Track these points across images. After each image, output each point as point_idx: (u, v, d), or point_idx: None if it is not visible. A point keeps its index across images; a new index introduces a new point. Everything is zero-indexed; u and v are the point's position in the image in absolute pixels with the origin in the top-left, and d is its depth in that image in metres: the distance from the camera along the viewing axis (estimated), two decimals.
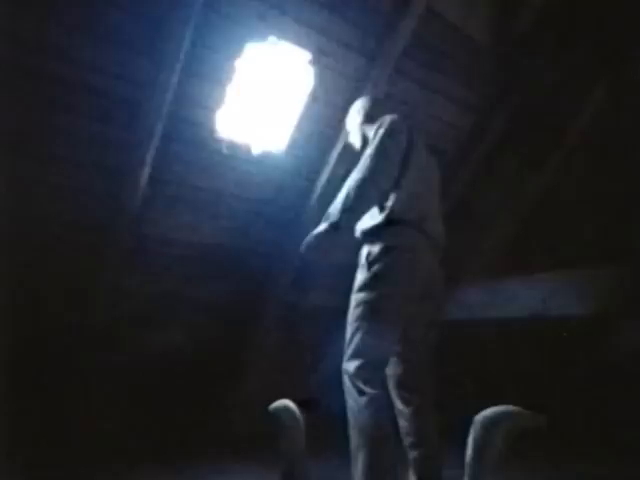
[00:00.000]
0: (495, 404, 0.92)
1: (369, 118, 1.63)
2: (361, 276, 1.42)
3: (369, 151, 1.40)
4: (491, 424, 0.89)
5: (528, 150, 2.81)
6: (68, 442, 2.06)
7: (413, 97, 2.35)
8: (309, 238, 1.38)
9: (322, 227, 1.36)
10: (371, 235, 1.44)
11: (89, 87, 1.66)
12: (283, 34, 1.91)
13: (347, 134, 1.79)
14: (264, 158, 2.14)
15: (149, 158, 1.83)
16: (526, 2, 2.27)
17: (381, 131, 1.42)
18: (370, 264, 1.39)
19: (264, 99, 2.07)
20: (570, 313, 2.03)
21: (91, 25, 1.57)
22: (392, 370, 1.42)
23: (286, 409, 1.02)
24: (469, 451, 0.92)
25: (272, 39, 1.91)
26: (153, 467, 2.05)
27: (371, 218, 1.45)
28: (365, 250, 1.45)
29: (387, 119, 1.47)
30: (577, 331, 2.63)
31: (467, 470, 0.93)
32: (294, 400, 1.05)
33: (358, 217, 1.38)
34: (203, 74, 1.82)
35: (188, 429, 2.43)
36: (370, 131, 1.54)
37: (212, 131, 1.97)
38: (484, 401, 0.99)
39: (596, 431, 2.46)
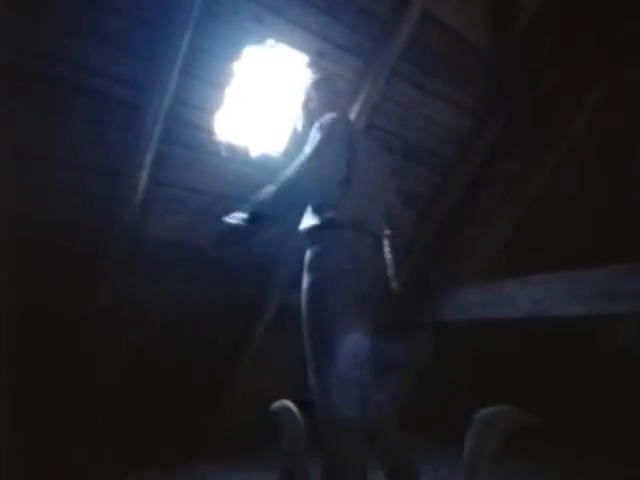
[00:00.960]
0: (493, 403, 0.93)
1: (311, 104, 1.66)
2: (304, 282, 1.38)
3: (303, 155, 1.35)
4: (488, 423, 0.90)
5: (526, 152, 2.83)
6: (65, 446, 2.06)
7: (410, 99, 2.36)
8: (219, 223, 1.31)
9: (235, 217, 1.29)
10: (310, 237, 1.43)
11: (89, 90, 1.67)
12: (281, 37, 1.93)
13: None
14: (262, 160, 2.15)
15: (148, 160, 1.84)
16: (522, 4, 2.29)
17: (318, 136, 1.37)
18: (310, 269, 1.37)
19: (262, 102, 2.08)
20: (565, 313, 2.04)
21: (90, 29, 1.58)
22: None
23: (286, 409, 1.03)
24: (467, 449, 0.93)
25: (270, 42, 1.93)
26: (149, 469, 2.06)
27: (310, 219, 1.42)
28: (307, 253, 1.43)
29: (326, 122, 1.41)
30: (572, 331, 2.64)
31: (466, 467, 0.94)
32: (294, 401, 1.06)
33: (274, 214, 1.30)
34: (202, 77, 1.84)
35: (183, 430, 2.44)
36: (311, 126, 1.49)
37: (211, 134, 1.98)
38: (483, 400, 1.00)
39: (590, 429, 2.47)
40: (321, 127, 1.41)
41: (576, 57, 2.47)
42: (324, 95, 1.68)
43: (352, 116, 2.16)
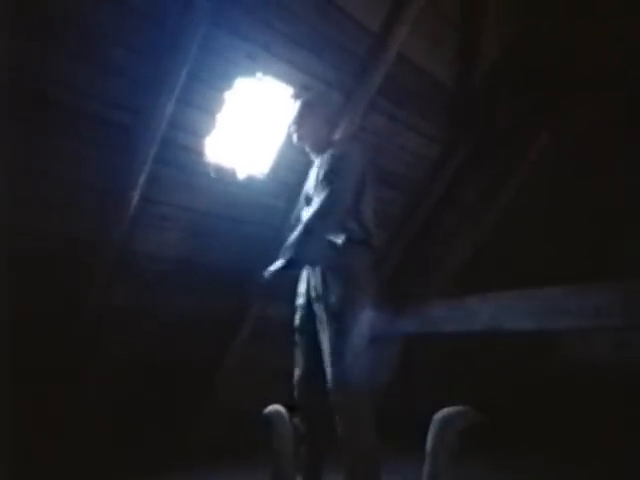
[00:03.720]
0: (452, 405, 1.11)
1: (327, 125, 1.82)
2: (334, 287, 1.58)
3: (331, 186, 1.52)
4: (446, 422, 1.08)
5: (486, 179, 3.11)
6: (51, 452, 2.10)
7: (385, 130, 2.59)
8: (267, 274, 1.54)
9: (279, 263, 1.52)
10: (335, 253, 1.61)
11: (89, 113, 1.78)
12: (269, 71, 2.10)
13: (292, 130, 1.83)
14: (248, 182, 2.30)
15: (142, 179, 1.96)
16: (483, 51, 2.57)
17: (342, 165, 1.56)
18: (339, 278, 1.58)
19: (250, 128, 2.24)
20: (519, 327, 2.28)
21: (95, 58, 1.70)
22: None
23: (277, 413, 1.17)
24: (428, 445, 1.11)
25: (259, 75, 2.10)
26: (132, 473, 2.13)
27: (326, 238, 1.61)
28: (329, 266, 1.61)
29: (349, 153, 1.63)
30: (525, 343, 2.91)
31: (427, 462, 1.11)
32: (283, 405, 1.20)
33: (314, 250, 1.52)
34: (196, 104, 1.98)
35: (166, 436, 2.51)
36: (325, 151, 1.69)
37: (201, 156, 2.11)
38: (444, 402, 1.18)
39: (540, 432, 2.72)
40: (344, 159, 1.59)
41: (528, 98, 2.77)
42: (318, 115, 1.82)
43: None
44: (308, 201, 1.76)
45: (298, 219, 1.80)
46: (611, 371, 3.02)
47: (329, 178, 1.54)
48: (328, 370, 1.51)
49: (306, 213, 1.67)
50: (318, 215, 1.49)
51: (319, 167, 1.70)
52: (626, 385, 2.85)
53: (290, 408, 1.22)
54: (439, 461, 1.11)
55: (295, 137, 1.83)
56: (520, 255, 3.13)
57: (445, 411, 1.09)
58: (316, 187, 1.63)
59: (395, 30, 2.24)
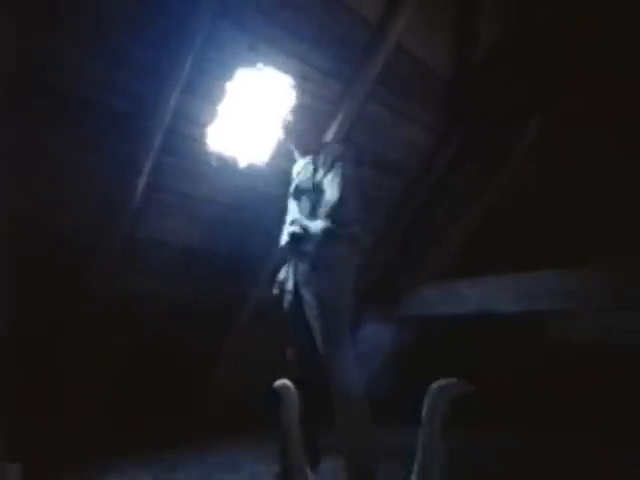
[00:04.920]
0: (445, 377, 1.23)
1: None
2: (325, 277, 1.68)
3: (337, 179, 1.70)
4: (439, 391, 1.19)
5: (479, 166, 3.20)
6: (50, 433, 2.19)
7: (382, 118, 2.66)
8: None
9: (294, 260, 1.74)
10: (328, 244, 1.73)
11: (96, 102, 1.83)
12: (270, 61, 2.15)
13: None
14: (248, 170, 2.36)
15: (147, 168, 2.02)
16: (478, 42, 2.63)
17: (346, 172, 1.73)
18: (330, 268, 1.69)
19: (250, 117, 2.29)
20: (508, 309, 2.41)
21: (102, 49, 1.74)
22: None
23: (285, 387, 1.27)
24: (424, 413, 1.22)
25: (260, 65, 2.14)
26: (135, 452, 2.24)
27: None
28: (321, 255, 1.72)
29: (347, 158, 1.77)
30: (514, 324, 3.05)
31: (422, 427, 1.23)
32: (290, 379, 1.30)
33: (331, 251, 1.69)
34: (198, 94, 2.03)
35: (169, 415, 2.63)
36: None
37: (203, 145, 2.17)
38: (438, 377, 1.29)
39: (527, 407, 2.88)
40: (346, 162, 1.75)
41: (521, 88, 2.85)
42: (304, 122, 1.95)
43: (332, 132, 2.42)
44: (297, 195, 1.86)
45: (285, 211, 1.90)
46: (595, 350, 3.18)
47: (340, 185, 1.69)
48: (323, 357, 1.62)
49: (293, 206, 1.85)
50: (338, 222, 1.67)
51: (314, 166, 1.80)
52: (609, 364, 3.01)
53: (297, 382, 1.32)
54: (433, 426, 1.23)
55: (283, 135, 1.97)
56: (510, 243, 3.25)
57: (438, 382, 1.20)
58: (315, 186, 1.75)
59: (393, 21, 2.29)
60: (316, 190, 1.75)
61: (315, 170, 1.79)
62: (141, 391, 2.50)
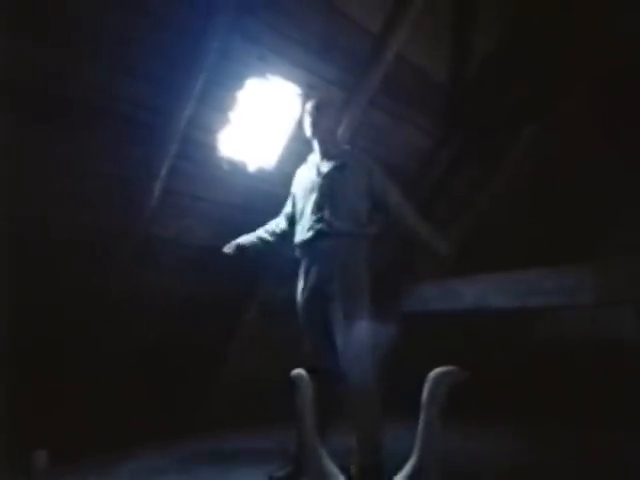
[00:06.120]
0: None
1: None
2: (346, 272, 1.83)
3: (393, 187, 1.97)
4: (438, 378, 1.33)
5: (476, 169, 3.34)
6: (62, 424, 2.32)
7: (383, 124, 2.79)
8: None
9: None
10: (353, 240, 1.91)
11: (117, 113, 1.96)
12: (278, 71, 2.28)
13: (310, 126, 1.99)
14: (258, 173, 2.49)
15: (163, 173, 2.15)
16: (475, 50, 2.76)
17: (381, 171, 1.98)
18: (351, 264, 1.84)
19: (259, 124, 2.42)
20: (501, 306, 2.55)
21: (124, 64, 1.87)
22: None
23: (300, 376, 1.41)
24: (423, 398, 1.36)
25: (269, 75, 2.27)
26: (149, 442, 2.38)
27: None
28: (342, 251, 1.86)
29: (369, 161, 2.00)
30: (506, 321, 3.19)
31: (422, 412, 1.37)
32: (305, 369, 1.44)
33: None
34: (211, 104, 2.16)
35: (179, 409, 2.77)
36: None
37: (215, 150, 2.30)
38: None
39: (518, 399, 3.03)
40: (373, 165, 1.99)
41: (517, 93, 2.98)
42: (331, 117, 2.06)
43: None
44: (322, 196, 1.90)
45: (302, 212, 1.96)
46: (585, 344, 3.33)
47: (398, 191, 1.99)
48: (339, 349, 1.76)
49: (308, 203, 1.93)
50: (359, 223, 1.89)
51: (342, 168, 1.94)
52: (598, 357, 3.16)
53: (311, 371, 1.45)
54: (432, 411, 1.36)
55: (309, 132, 2.01)
56: (505, 241, 3.38)
57: (437, 370, 1.33)
58: (364, 194, 1.93)
59: (394, 32, 2.42)
60: (373, 194, 1.92)
61: (340, 171, 1.92)
62: (153, 385, 2.64)
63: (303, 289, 1.94)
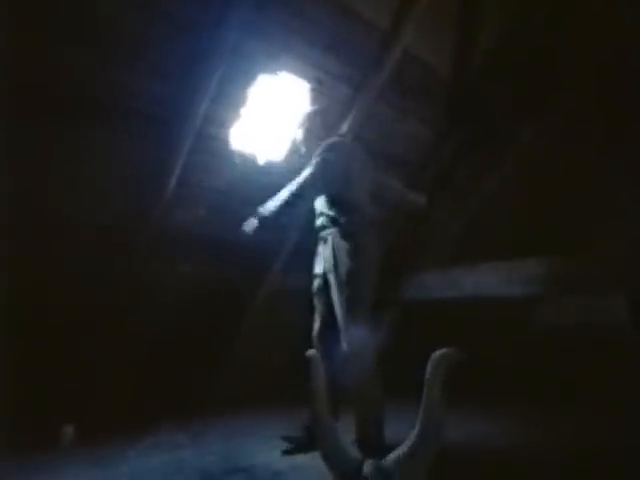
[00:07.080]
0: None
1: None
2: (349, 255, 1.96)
3: (306, 172, 2.03)
4: (439, 359, 1.45)
5: (478, 161, 3.42)
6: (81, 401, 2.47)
7: (390, 118, 2.87)
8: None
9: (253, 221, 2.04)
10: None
11: (133, 109, 2.05)
12: (288, 68, 2.36)
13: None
14: (267, 166, 2.59)
15: (178, 166, 2.25)
16: (478, 47, 2.83)
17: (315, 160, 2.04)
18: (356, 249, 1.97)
19: (269, 119, 2.51)
20: (500, 294, 2.66)
21: (142, 63, 1.95)
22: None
23: (314, 355, 1.53)
24: (426, 379, 1.48)
25: (279, 72, 2.35)
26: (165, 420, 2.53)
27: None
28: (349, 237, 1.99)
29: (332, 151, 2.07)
30: (505, 308, 3.32)
31: (424, 391, 1.49)
32: (317, 349, 1.56)
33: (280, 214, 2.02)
34: (224, 100, 2.24)
35: (192, 388, 2.92)
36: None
37: (227, 144, 2.39)
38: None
39: (516, 385, 3.16)
40: (329, 152, 2.07)
41: (518, 90, 3.05)
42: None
43: (344, 131, 2.63)
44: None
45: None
46: (582, 331, 3.45)
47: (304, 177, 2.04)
48: (342, 332, 1.90)
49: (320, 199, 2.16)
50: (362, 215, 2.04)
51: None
52: (592, 343, 3.29)
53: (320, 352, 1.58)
54: (434, 390, 1.48)
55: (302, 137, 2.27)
56: (503, 232, 3.48)
57: (439, 351, 1.45)
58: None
59: (401, 28, 2.48)
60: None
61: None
62: (170, 367, 2.78)
63: (315, 274, 2.11)
